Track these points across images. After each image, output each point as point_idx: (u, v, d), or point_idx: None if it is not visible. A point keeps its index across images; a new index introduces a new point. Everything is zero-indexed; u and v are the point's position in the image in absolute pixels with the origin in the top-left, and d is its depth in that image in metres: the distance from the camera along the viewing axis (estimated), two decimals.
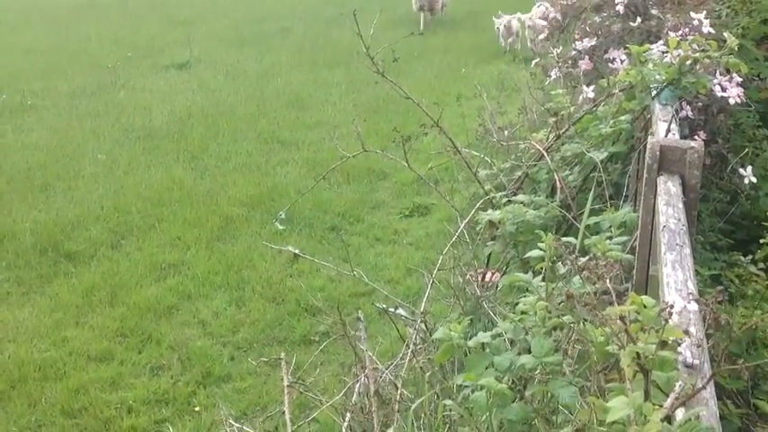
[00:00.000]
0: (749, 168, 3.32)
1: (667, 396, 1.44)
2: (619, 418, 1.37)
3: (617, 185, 3.59)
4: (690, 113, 3.48)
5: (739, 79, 3.33)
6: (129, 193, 7.04)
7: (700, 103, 3.54)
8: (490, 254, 3.76)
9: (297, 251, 5.19)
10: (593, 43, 4.47)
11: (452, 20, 14.93)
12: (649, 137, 2.88)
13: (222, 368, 4.57)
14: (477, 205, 3.90)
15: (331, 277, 5.44)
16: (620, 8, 4.47)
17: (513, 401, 2.02)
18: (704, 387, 1.46)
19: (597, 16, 4.83)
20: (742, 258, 3.57)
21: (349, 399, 3.15)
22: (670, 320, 1.47)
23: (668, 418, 1.39)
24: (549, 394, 2.04)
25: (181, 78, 11.36)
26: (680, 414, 1.42)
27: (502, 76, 9.74)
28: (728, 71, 3.31)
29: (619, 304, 1.54)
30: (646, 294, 1.84)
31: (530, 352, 2.03)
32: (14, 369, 4.58)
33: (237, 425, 3.35)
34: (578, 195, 3.60)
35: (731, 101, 3.32)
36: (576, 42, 4.59)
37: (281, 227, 6.25)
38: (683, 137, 3.13)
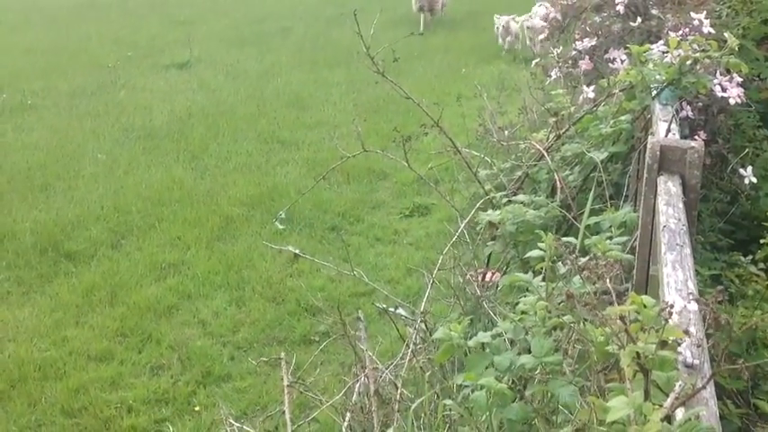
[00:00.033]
0: (749, 168, 3.33)
1: (667, 396, 1.44)
2: (619, 417, 1.37)
3: (617, 185, 3.59)
4: (690, 113, 3.48)
5: (740, 79, 3.34)
6: (130, 192, 7.04)
7: (700, 104, 3.54)
8: (490, 254, 3.76)
9: (297, 251, 5.19)
10: (594, 43, 4.48)
11: (452, 20, 14.94)
12: (650, 137, 2.88)
13: (222, 368, 4.57)
14: (478, 205, 3.90)
15: (331, 277, 5.44)
16: (620, 8, 4.47)
17: (513, 401, 2.02)
18: (704, 387, 1.46)
19: (597, 16, 4.83)
20: (742, 258, 3.57)
21: (349, 398, 3.16)
22: (670, 320, 1.47)
23: (668, 418, 1.39)
24: (549, 394, 2.04)
25: (181, 78, 11.36)
26: (680, 414, 1.42)
27: (502, 76, 9.74)
28: (729, 71, 3.31)
29: (619, 304, 1.54)
30: (646, 294, 1.83)
31: (530, 352, 2.03)
32: (14, 368, 4.58)
33: (237, 424, 3.35)
34: (578, 195, 3.60)
35: (731, 101, 3.32)
36: (577, 42, 4.60)
37: (281, 227, 6.25)
38: (683, 137, 3.13)
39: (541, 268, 2.31)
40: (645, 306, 1.51)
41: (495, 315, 2.98)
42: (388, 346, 3.98)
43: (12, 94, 10.52)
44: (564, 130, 3.91)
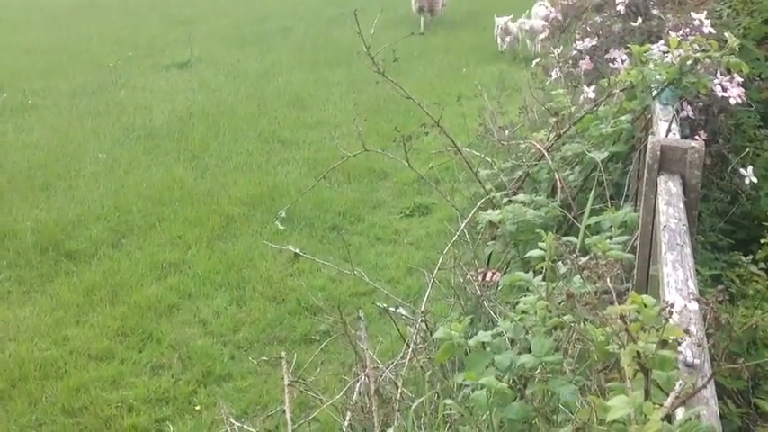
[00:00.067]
0: (750, 168, 3.33)
1: (667, 395, 1.44)
2: (619, 416, 1.37)
3: (617, 185, 3.60)
4: (690, 113, 3.48)
5: (740, 79, 3.34)
6: (130, 192, 7.04)
7: (700, 104, 3.54)
8: (491, 253, 3.76)
9: (297, 250, 5.19)
10: (594, 43, 4.48)
11: (453, 20, 14.94)
12: (650, 137, 2.88)
13: (223, 367, 4.57)
14: (478, 205, 3.91)
15: (331, 277, 5.44)
16: (620, 8, 4.48)
17: (514, 400, 2.02)
18: (704, 386, 1.46)
19: (598, 16, 4.84)
20: (743, 258, 3.58)
21: (349, 398, 3.16)
22: (670, 320, 1.47)
23: (668, 417, 1.39)
24: (550, 393, 2.04)
25: (182, 78, 11.36)
26: (680, 413, 1.42)
27: (503, 76, 9.74)
28: (729, 71, 3.31)
29: (619, 304, 1.55)
30: (646, 294, 1.84)
31: (530, 351, 2.03)
32: (15, 368, 4.59)
33: (238, 424, 3.35)
34: (579, 195, 3.60)
35: (732, 101, 3.32)
36: (577, 42, 4.60)
37: (281, 226, 6.25)
38: (683, 137, 3.13)
39: (542, 268, 2.31)
40: (645, 305, 1.51)
41: (495, 314, 2.98)
42: (388, 346, 3.99)
43: (12, 93, 10.52)
44: (564, 130, 3.92)
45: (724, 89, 3.30)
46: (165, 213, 6.60)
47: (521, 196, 3.60)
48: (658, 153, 2.52)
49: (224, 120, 9.10)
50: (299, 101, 9.94)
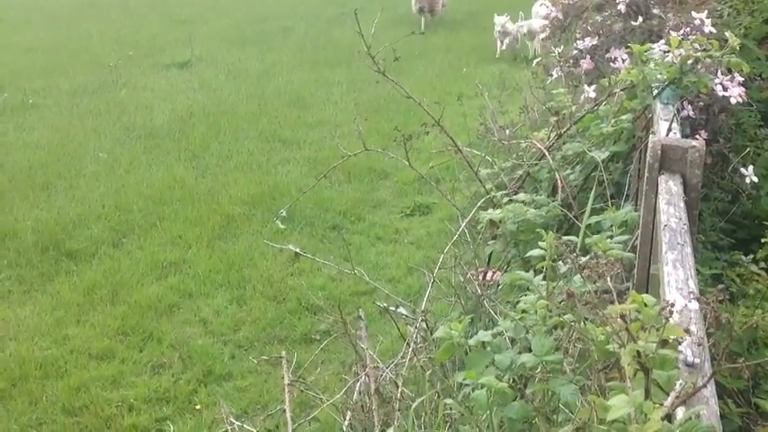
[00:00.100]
0: (750, 168, 3.33)
1: (668, 395, 1.44)
2: (619, 416, 1.37)
3: (618, 185, 3.60)
4: (691, 113, 3.48)
5: (741, 79, 3.34)
6: (131, 191, 7.04)
7: (701, 103, 3.54)
8: (491, 253, 3.77)
9: (298, 250, 5.19)
10: (595, 42, 4.48)
11: (453, 19, 14.93)
12: (651, 136, 2.88)
13: (223, 366, 4.57)
14: (479, 204, 3.91)
15: (332, 276, 5.44)
16: (621, 7, 4.48)
17: (514, 400, 2.02)
18: (705, 386, 1.46)
19: (599, 15, 4.84)
20: (743, 258, 3.57)
21: (350, 397, 3.16)
22: (671, 319, 1.47)
23: (669, 417, 1.39)
24: (550, 393, 2.04)
25: (182, 77, 11.36)
26: (680, 413, 1.42)
27: (503, 76, 9.73)
28: (730, 71, 3.31)
29: (619, 303, 1.55)
30: (647, 293, 1.84)
31: (530, 350, 2.03)
32: (15, 367, 4.59)
33: (238, 423, 3.35)
34: (579, 194, 3.60)
35: (733, 100, 3.32)
36: (578, 41, 4.60)
37: (281, 225, 6.26)
38: (684, 136, 3.13)
39: (542, 267, 2.31)
40: (645, 305, 1.51)
41: (495, 314, 2.98)
42: (388, 345, 3.98)
43: (13, 93, 10.52)
44: (565, 130, 3.92)
45: (725, 88, 3.30)
46: (166, 213, 6.60)
47: (521, 195, 3.60)
48: (659, 152, 2.52)
49: (225, 119, 9.10)
50: (300, 100, 9.94)
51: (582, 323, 1.79)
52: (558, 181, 3.58)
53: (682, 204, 2.35)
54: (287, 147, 8.26)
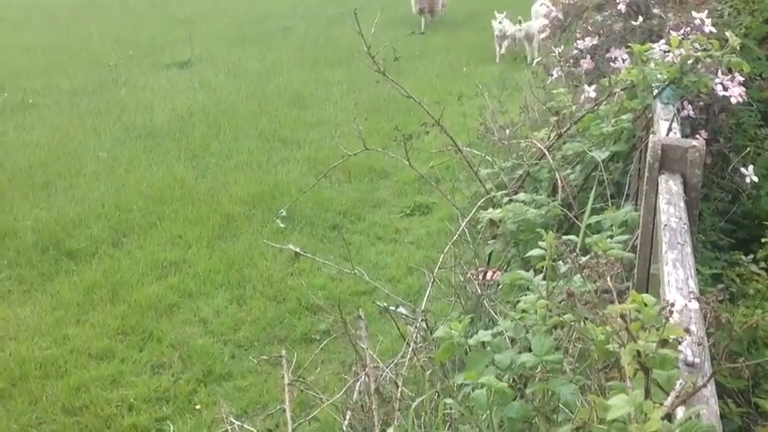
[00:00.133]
0: (750, 168, 3.33)
1: (668, 394, 1.44)
2: (619, 416, 1.37)
3: (618, 184, 3.60)
4: (691, 112, 3.48)
5: (741, 79, 3.34)
6: (131, 191, 7.04)
7: (701, 103, 3.54)
8: (491, 252, 3.77)
9: (298, 250, 5.19)
10: (595, 42, 4.48)
11: (453, 19, 14.93)
12: (651, 136, 2.88)
13: (223, 366, 4.57)
14: (479, 204, 3.91)
15: (332, 276, 5.44)
16: (621, 7, 4.47)
17: (514, 400, 2.02)
18: (705, 385, 1.46)
19: (599, 15, 4.84)
20: (743, 257, 3.58)
21: (349, 397, 3.16)
22: (671, 319, 1.47)
23: (669, 417, 1.39)
24: (550, 392, 2.04)
25: (182, 77, 11.36)
26: (680, 412, 1.42)
27: (503, 76, 9.73)
28: (730, 70, 3.31)
29: (619, 303, 1.54)
30: (647, 293, 1.83)
31: (530, 350, 2.03)
32: (15, 367, 4.59)
33: (238, 423, 3.35)
34: (579, 194, 3.60)
35: (733, 100, 3.32)
36: (578, 41, 4.60)
37: (282, 225, 6.26)
38: (684, 136, 3.13)
39: (542, 267, 2.31)
40: (645, 304, 1.51)
41: (495, 314, 2.98)
42: (388, 345, 3.98)
43: (13, 92, 10.53)
44: (565, 129, 3.91)
45: (725, 88, 3.30)
46: (166, 212, 6.60)
47: (521, 195, 3.60)
48: (659, 152, 2.52)
49: (225, 119, 9.10)
50: (300, 100, 9.94)
51: (582, 323, 1.79)
52: (559, 181, 3.58)
53: (682, 204, 2.35)
54: (287, 146, 8.26)
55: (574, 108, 4.18)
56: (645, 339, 1.45)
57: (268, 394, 4.28)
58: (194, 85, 10.82)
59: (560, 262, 2.29)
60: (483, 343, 2.19)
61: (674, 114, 3.13)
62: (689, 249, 2.09)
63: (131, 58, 12.46)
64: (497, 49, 11.76)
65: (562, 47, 5.15)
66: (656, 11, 4.48)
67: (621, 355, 1.46)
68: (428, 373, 2.94)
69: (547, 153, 3.78)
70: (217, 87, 10.65)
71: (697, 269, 2.20)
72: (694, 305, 1.71)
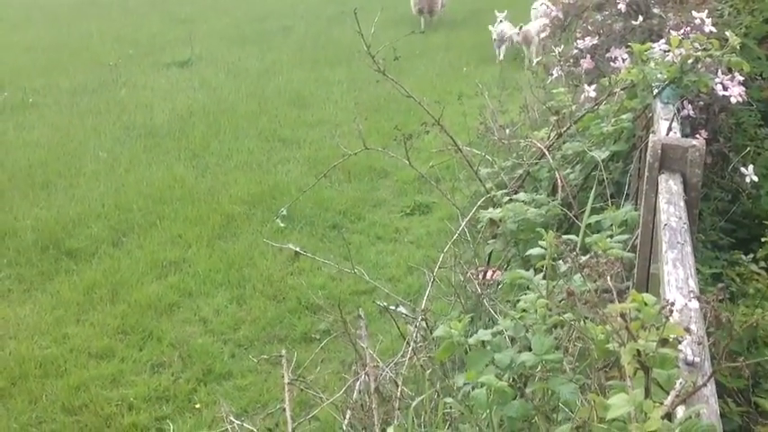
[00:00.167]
0: (750, 167, 3.33)
1: (668, 394, 1.44)
2: (619, 415, 1.37)
3: (618, 184, 3.60)
4: (691, 112, 3.48)
5: (741, 78, 3.34)
6: (131, 190, 7.04)
7: (701, 102, 3.54)
8: (491, 252, 3.77)
9: (298, 249, 5.19)
10: (595, 42, 4.48)
11: (454, 19, 14.93)
12: (651, 135, 2.88)
13: (223, 365, 4.57)
14: (479, 203, 3.91)
15: (332, 275, 5.44)
16: (621, 7, 4.47)
17: (514, 399, 2.02)
18: (705, 385, 1.46)
19: (599, 15, 4.84)
20: (743, 257, 3.58)
21: (349, 396, 3.16)
22: (671, 318, 1.47)
23: (669, 416, 1.39)
24: (550, 391, 2.04)
25: (182, 76, 11.36)
26: (680, 411, 1.42)
27: (503, 75, 9.73)
28: (730, 70, 3.31)
29: (619, 302, 1.54)
30: (647, 292, 1.84)
31: (530, 349, 2.03)
32: (15, 366, 4.59)
33: (238, 422, 3.35)
34: (579, 194, 3.60)
35: (733, 100, 3.32)
36: (578, 41, 4.60)
37: (282, 224, 6.26)
38: (684, 135, 3.13)
39: (542, 266, 2.31)
40: (645, 304, 1.51)
41: (495, 313, 2.98)
42: (388, 345, 3.98)
43: (13, 91, 10.52)
44: (565, 129, 3.91)
45: (725, 88, 3.30)
46: (166, 212, 6.60)
47: (521, 195, 3.60)
48: (659, 151, 2.52)
49: (225, 118, 9.10)
50: (300, 99, 9.94)
51: (582, 322, 1.79)
52: (558, 180, 3.58)
53: (682, 203, 2.35)
54: (287, 146, 8.26)
55: (574, 108, 4.18)
56: (645, 338, 1.45)
57: (268, 393, 4.28)
58: (194, 84, 10.82)
59: (560, 261, 2.29)
60: (483, 342, 2.19)
61: (674, 114, 3.13)
62: (689, 249, 2.09)
63: (131, 57, 12.46)
64: (497, 52, 11.75)
65: (562, 46, 5.15)
66: (656, 10, 4.48)
67: (621, 355, 1.46)
68: (428, 372, 2.94)
69: (547, 153, 3.78)
70: (217, 87, 10.65)
71: (697, 268, 2.20)
72: (694, 304, 1.71)
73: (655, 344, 1.45)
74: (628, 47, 3.91)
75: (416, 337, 3.25)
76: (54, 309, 5.22)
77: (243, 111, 9.45)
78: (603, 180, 3.36)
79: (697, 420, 1.39)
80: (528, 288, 2.32)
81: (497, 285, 3.41)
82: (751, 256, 3.56)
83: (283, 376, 3.27)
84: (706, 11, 3.74)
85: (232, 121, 9.00)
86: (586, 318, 1.76)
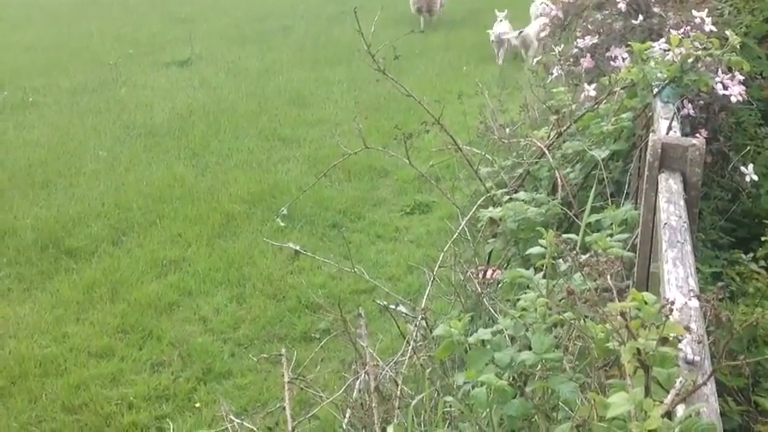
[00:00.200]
0: (750, 166, 3.33)
1: (668, 392, 1.44)
2: (619, 414, 1.37)
3: (618, 183, 3.60)
4: (691, 111, 3.48)
5: (741, 77, 3.34)
6: (130, 189, 7.04)
7: (701, 101, 3.54)
8: (491, 251, 3.77)
9: (298, 248, 5.19)
10: (595, 41, 4.48)
11: (453, 18, 14.92)
12: (651, 134, 2.88)
13: (223, 365, 4.57)
14: (479, 203, 3.91)
15: (332, 274, 5.44)
16: (621, 6, 4.47)
17: (514, 398, 2.02)
18: (705, 383, 1.46)
19: (599, 14, 4.83)
20: (743, 256, 3.58)
21: (349, 395, 3.16)
22: (671, 317, 1.47)
23: (669, 415, 1.39)
24: (550, 390, 2.04)
25: (182, 76, 11.36)
26: (680, 410, 1.42)
27: (503, 74, 9.73)
28: (730, 69, 3.31)
29: (619, 301, 1.55)
30: (647, 291, 1.84)
31: (530, 348, 2.03)
32: (15, 365, 4.59)
33: (238, 421, 3.35)
34: (579, 193, 3.60)
35: (733, 99, 3.32)
36: (578, 40, 4.60)
37: (282, 223, 6.26)
38: (684, 135, 3.13)
39: (542, 265, 2.31)
40: (645, 303, 1.51)
41: (495, 312, 2.98)
42: (388, 344, 3.99)
43: (13, 91, 10.52)
44: (565, 128, 3.91)
45: (725, 87, 3.30)
46: (166, 211, 6.60)
47: (521, 194, 3.60)
48: (659, 151, 2.52)
49: (225, 117, 9.10)
50: (300, 99, 9.94)
51: (582, 321, 1.79)
52: (558, 179, 3.58)
53: (682, 202, 2.35)
54: (287, 145, 8.25)
55: (574, 107, 4.18)
56: (645, 337, 1.45)
57: (268, 392, 4.28)
58: (194, 83, 10.81)
59: (560, 260, 2.30)
60: (483, 341, 2.19)
61: (674, 113, 3.13)
62: (689, 248, 2.09)
63: (131, 56, 12.46)
64: (496, 54, 11.74)
65: (562, 45, 5.15)
66: (656, 9, 4.48)
67: (621, 353, 1.46)
68: (428, 371, 2.94)
69: (547, 152, 3.78)
70: (217, 86, 10.65)
71: (697, 267, 2.20)
72: (694, 303, 1.72)
73: (655, 342, 1.45)
74: (628, 46, 3.91)
75: (416, 336, 3.25)
76: (54, 308, 5.22)
77: (243, 110, 9.45)
78: (603, 179, 3.36)
79: (697, 419, 1.39)
80: (528, 287, 2.32)
81: (497, 284, 3.41)
82: (751, 255, 3.56)
83: (283, 375, 3.27)
84: (706, 10, 3.74)
85: (232, 120, 9.00)
86: (586, 316, 1.76)
